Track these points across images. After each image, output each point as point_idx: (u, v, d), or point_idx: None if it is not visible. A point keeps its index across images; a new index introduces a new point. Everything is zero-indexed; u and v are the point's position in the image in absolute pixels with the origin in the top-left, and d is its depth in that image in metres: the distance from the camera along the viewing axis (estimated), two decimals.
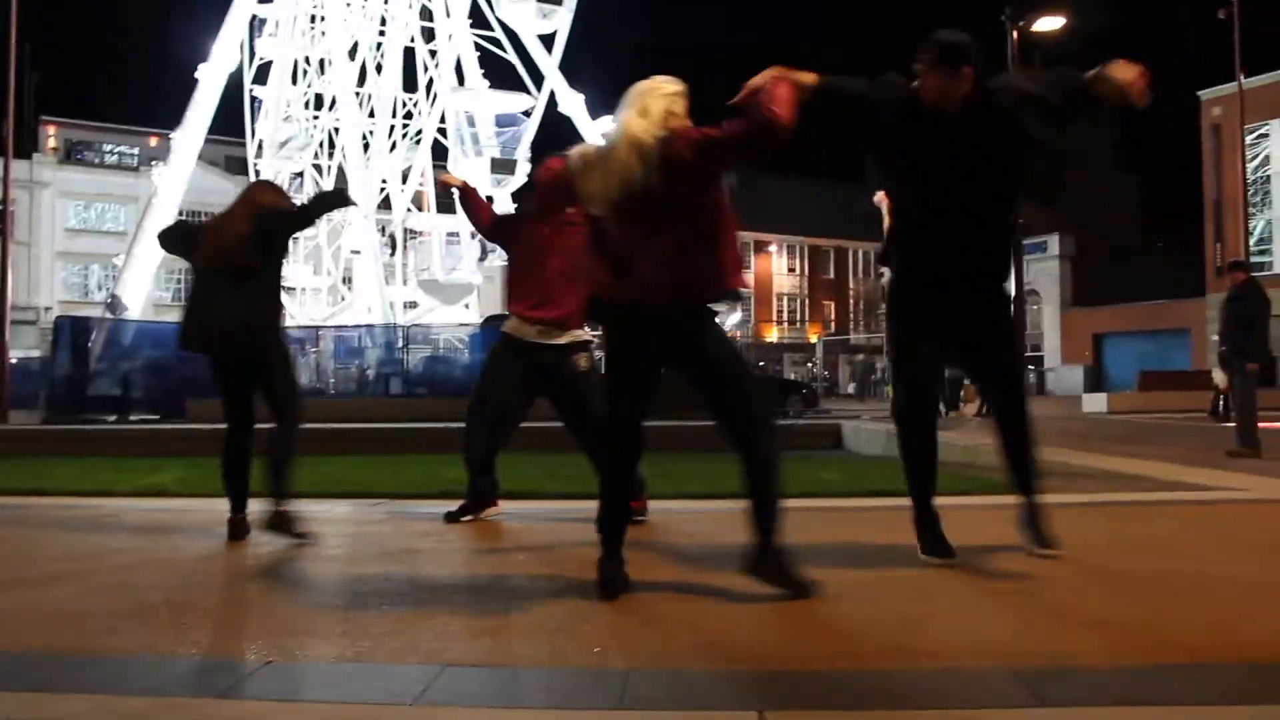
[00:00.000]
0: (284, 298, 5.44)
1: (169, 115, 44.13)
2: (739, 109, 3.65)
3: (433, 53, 39.47)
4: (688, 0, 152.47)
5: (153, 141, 58.20)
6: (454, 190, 6.09)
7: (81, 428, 17.75)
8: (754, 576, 3.67)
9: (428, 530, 5.44)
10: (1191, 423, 19.51)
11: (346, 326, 30.58)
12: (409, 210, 39.14)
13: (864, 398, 39.66)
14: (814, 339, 69.13)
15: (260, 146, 43.62)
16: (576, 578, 3.87)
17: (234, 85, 42.61)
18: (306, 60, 41.93)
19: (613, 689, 2.65)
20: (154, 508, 6.58)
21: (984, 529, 5.14)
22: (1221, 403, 19.75)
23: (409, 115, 40.49)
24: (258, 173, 43.75)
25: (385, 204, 38.93)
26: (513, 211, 6.22)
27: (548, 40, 37.91)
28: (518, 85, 38.57)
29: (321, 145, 42.89)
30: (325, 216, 31.46)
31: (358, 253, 36.23)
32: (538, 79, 38.08)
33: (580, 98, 37.99)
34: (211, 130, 42.56)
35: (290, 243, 5.55)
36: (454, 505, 5.72)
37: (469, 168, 35.88)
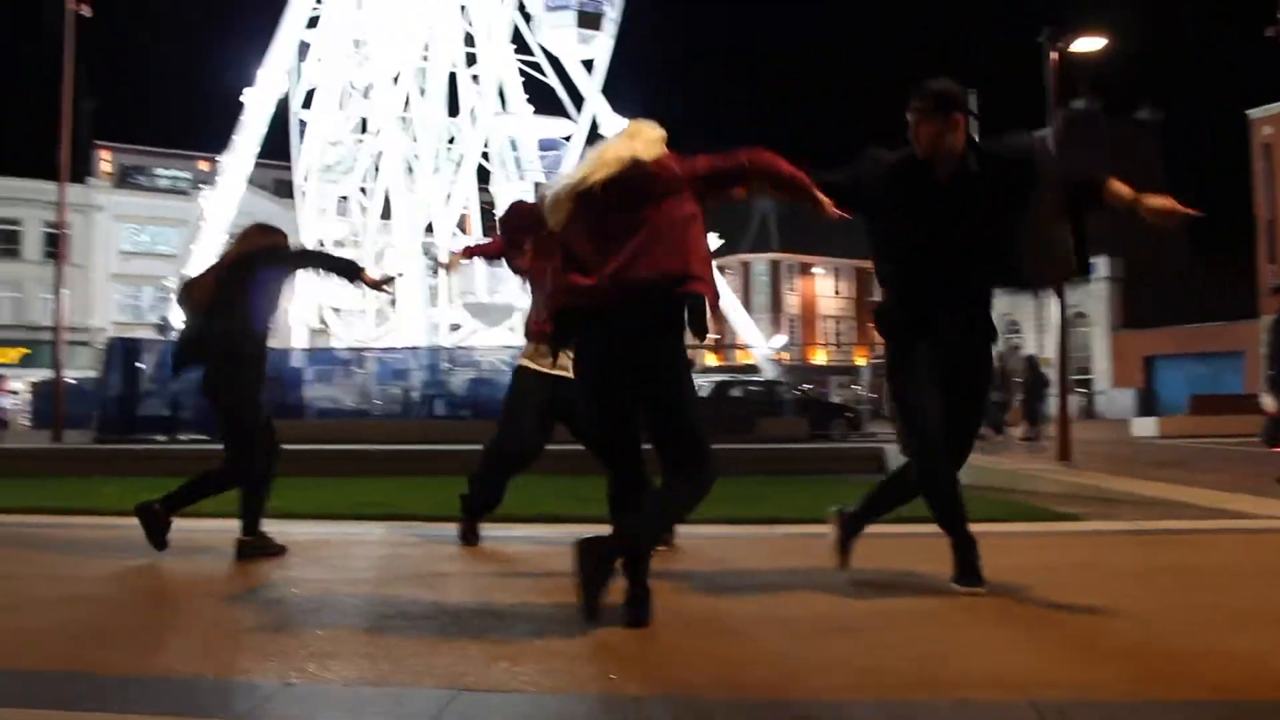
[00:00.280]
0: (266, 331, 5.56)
1: (219, 139, 44.88)
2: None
3: (475, 77, 39.82)
4: (725, 24, 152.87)
5: (204, 165, 59.14)
6: (461, 263, 6.21)
7: (131, 447, 18.05)
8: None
9: (456, 554, 5.47)
10: (1244, 448, 19.15)
11: (391, 348, 30.80)
12: (453, 234, 39.39)
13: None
14: (860, 362, 68.67)
15: (307, 170, 44.16)
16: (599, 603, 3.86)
17: (281, 110, 43.27)
18: (352, 85, 42.44)
19: (625, 716, 2.65)
20: (190, 528, 6.62)
21: (1018, 556, 5.09)
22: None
23: (452, 140, 40.83)
24: (304, 196, 44.34)
25: (429, 228, 39.25)
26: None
27: (589, 64, 38.15)
28: (560, 109, 38.82)
29: (367, 170, 43.35)
30: (371, 240, 31.57)
31: (402, 275, 36.53)
32: (579, 102, 38.31)
33: (621, 122, 38.04)
34: (260, 154, 43.21)
35: (282, 277, 5.66)
36: (484, 529, 5.77)
37: (511, 191, 36.12)
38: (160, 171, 61.81)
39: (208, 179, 53.40)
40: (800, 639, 3.48)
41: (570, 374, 5.41)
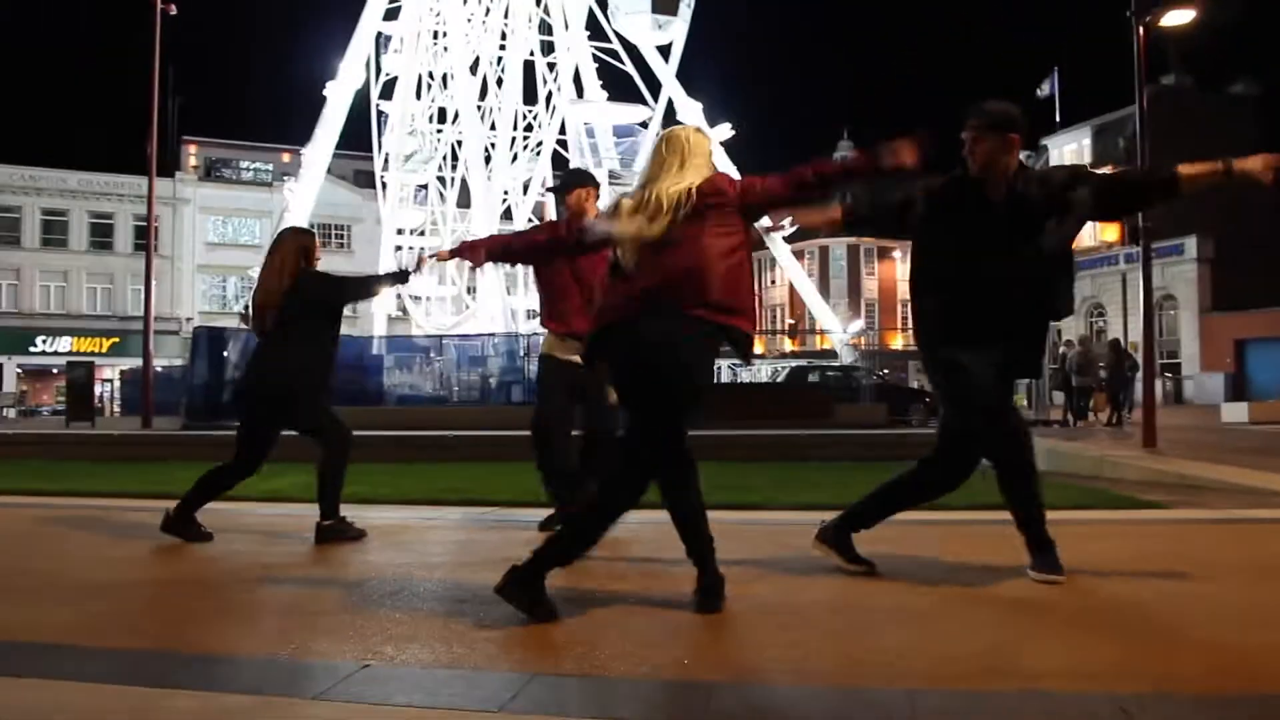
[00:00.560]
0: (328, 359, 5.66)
1: (299, 132, 45.71)
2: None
3: (551, 65, 40.00)
4: (800, 7, 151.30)
5: (285, 157, 60.28)
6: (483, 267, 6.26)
7: (215, 433, 18.48)
8: (501, 594, 3.51)
9: (532, 539, 5.49)
10: None
11: (469, 335, 31.13)
12: (530, 221, 39.70)
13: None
14: None
15: (386, 160, 44.80)
16: (673, 591, 3.87)
17: (361, 101, 43.92)
18: (430, 75, 42.92)
19: (699, 703, 2.66)
20: (270, 512, 6.82)
21: (1099, 545, 4.99)
22: None
23: (529, 127, 41.10)
24: (384, 185, 44.96)
25: (508, 214, 39.57)
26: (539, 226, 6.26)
27: (664, 50, 38.08)
28: (635, 96, 38.84)
29: (445, 158, 43.83)
30: (450, 229, 31.99)
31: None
32: (655, 88, 38.29)
33: (698, 106, 38.03)
34: (340, 145, 43.90)
35: (340, 307, 5.72)
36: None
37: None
38: (244, 164, 63.11)
39: (289, 170, 54.46)
40: (874, 627, 3.45)
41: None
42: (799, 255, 56.90)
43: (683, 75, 38.30)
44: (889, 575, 4.23)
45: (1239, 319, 46.97)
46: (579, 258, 5.54)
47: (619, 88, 39.65)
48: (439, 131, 43.29)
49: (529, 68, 40.24)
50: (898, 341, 69.43)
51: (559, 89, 39.30)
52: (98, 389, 33.29)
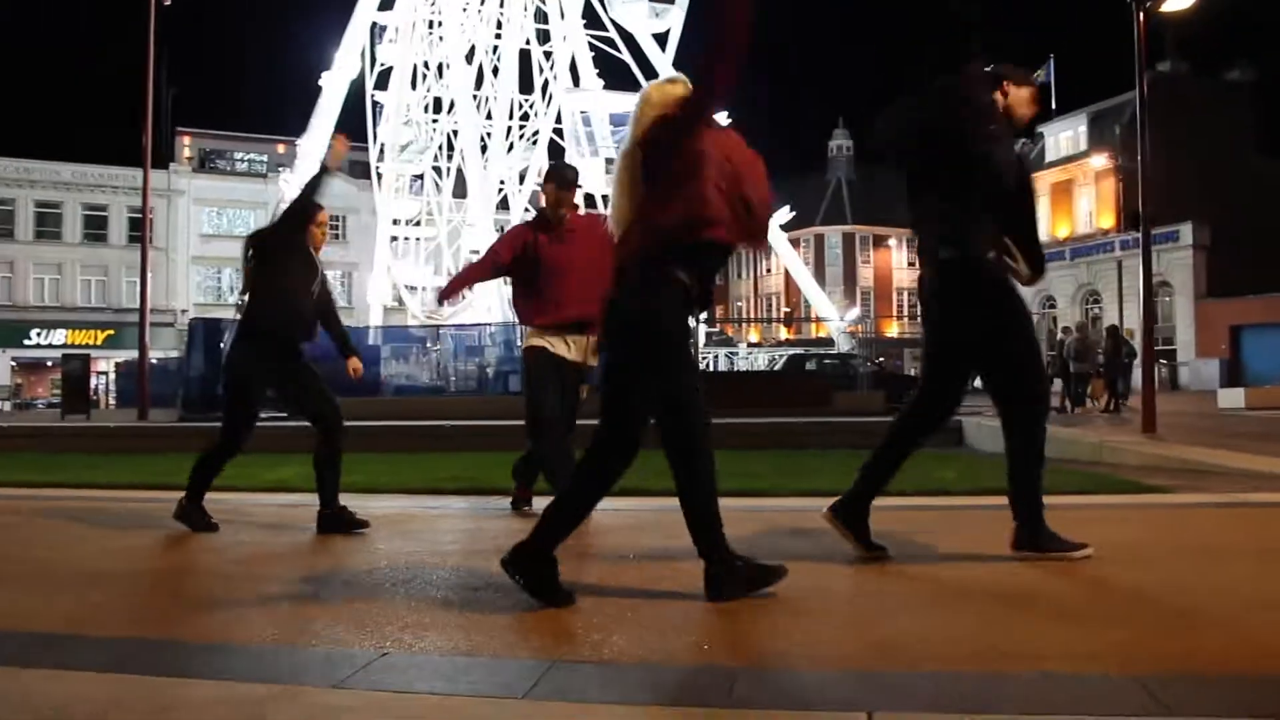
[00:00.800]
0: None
1: (295, 122, 45.64)
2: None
3: (548, 54, 39.90)
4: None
5: (280, 148, 60.17)
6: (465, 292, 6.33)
7: (215, 425, 18.45)
8: (506, 567, 3.57)
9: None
10: None
11: (466, 325, 31.08)
12: (526, 210, 39.62)
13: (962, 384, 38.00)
14: None
15: (382, 150, 44.69)
16: (688, 578, 3.86)
17: (356, 91, 43.80)
18: (425, 65, 42.81)
19: (720, 687, 2.65)
20: (276, 502, 6.81)
21: (1104, 529, 4.98)
22: None
23: (525, 116, 41.01)
24: (379, 176, 44.87)
25: (504, 204, 39.49)
26: (518, 228, 6.25)
27: (661, 39, 38.00)
28: (631, 84, 38.69)
29: (441, 148, 43.75)
30: (445, 219, 31.99)
31: (477, 253, 36.84)
32: (651, 77, 38.14)
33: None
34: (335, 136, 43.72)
35: (279, 246, 5.73)
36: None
37: (585, 167, 36.15)
38: (238, 155, 62.98)
39: (284, 161, 54.38)
40: (888, 610, 3.44)
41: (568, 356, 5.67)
42: (795, 243, 56.82)
43: (679, 64, 38.18)
44: (899, 561, 4.23)
45: (1234, 305, 47.02)
46: (561, 248, 5.67)
47: (614, 76, 39.59)
48: (434, 121, 43.19)
49: (525, 56, 40.15)
50: (893, 329, 69.46)
51: (555, 78, 39.20)
52: (93, 381, 33.27)
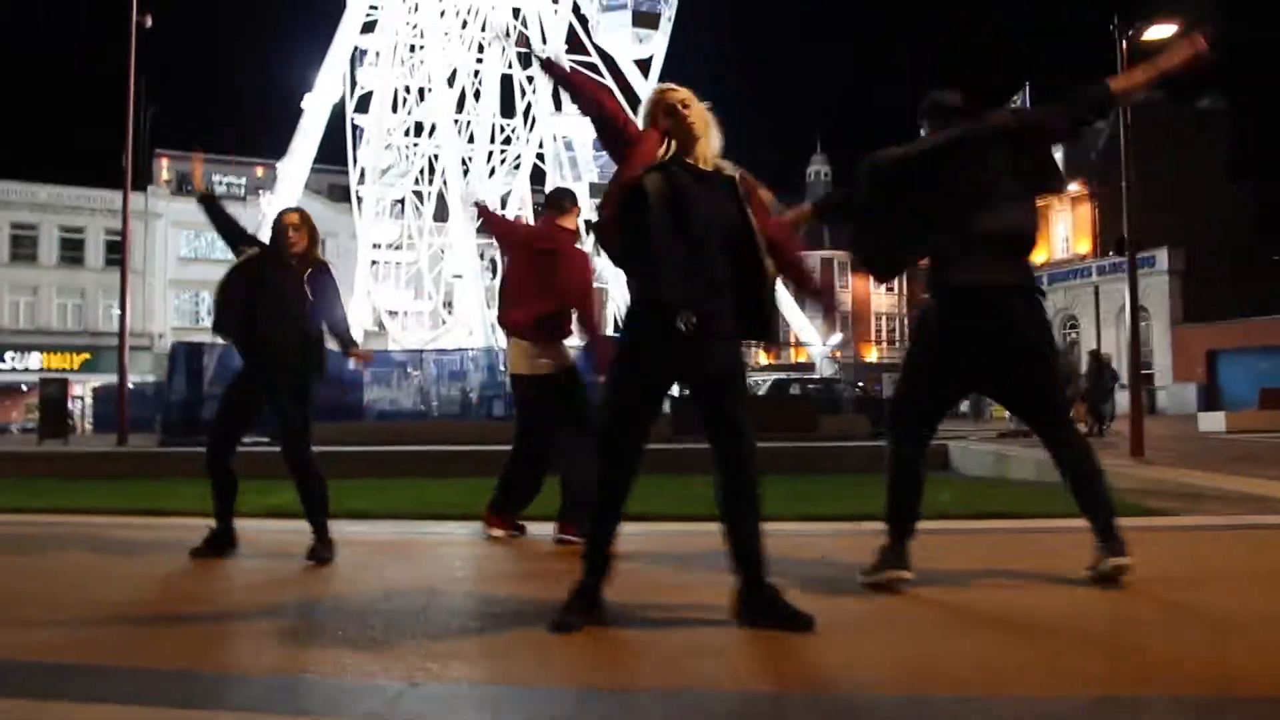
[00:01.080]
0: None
1: (273, 146, 45.50)
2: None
3: (530, 79, 39.97)
4: (780, 23, 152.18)
5: (259, 171, 59.89)
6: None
7: (198, 450, 18.26)
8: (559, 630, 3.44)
9: (551, 551, 5.43)
10: None
11: (448, 350, 30.97)
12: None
13: (977, 418, 38.23)
14: None
15: (362, 174, 44.63)
16: (714, 603, 3.81)
17: (336, 114, 43.75)
18: (406, 89, 42.83)
19: (769, 714, 2.60)
20: (275, 529, 6.68)
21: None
22: None
23: (507, 140, 41.06)
24: (360, 200, 44.78)
25: (485, 228, 39.47)
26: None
27: (643, 65, 38.13)
28: None
29: (422, 171, 43.72)
30: (426, 243, 31.90)
31: (459, 277, 36.78)
32: (634, 103, 38.26)
33: None
34: (315, 159, 43.69)
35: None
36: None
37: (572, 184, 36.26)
38: (216, 178, 62.63)
39: (263, 184, 54.13)
40: (923, 635, 3.41)
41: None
42: None
43: None
44: (934, 583, 4.19)
45: (1210, 330, 47.47)
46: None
47: None
48: (415, 145, 43.19)
49: (506, 81, 40.23)
50: (872, 354, 69.74)
51: (538, 102, 39.27)
52: (70, 406, 32.88)
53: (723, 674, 2.96)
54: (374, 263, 44.91)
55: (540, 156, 39.98)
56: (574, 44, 39.13)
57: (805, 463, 13.67)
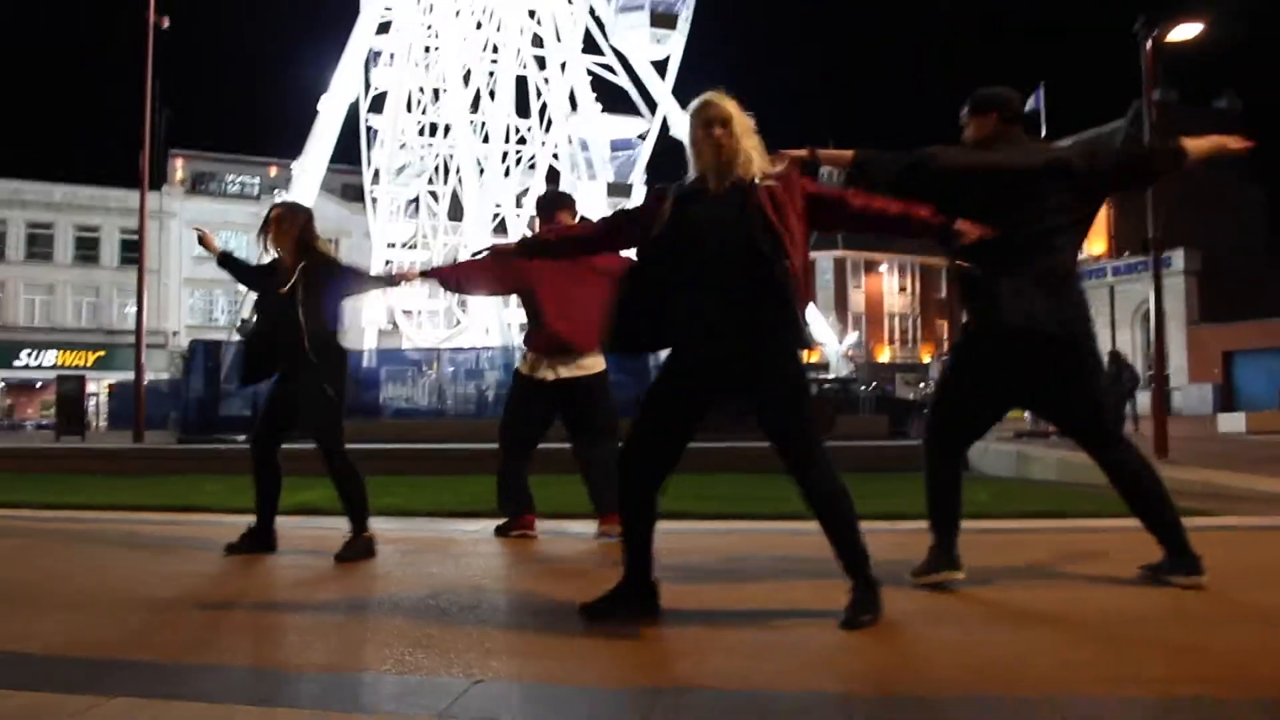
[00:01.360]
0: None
1: (287, 146, 45.62)
2: None
3: (546, 80, 39.93)
4: (796, 24, 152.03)
5: (273, 171, 60.05)
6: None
7: (218, 447, 18.30)
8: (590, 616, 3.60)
9: (589, 550, 5.42)
10: None
11: (463, 348, 30.99)
12: (525, 234, 39.65)
13: (1001, 417, 37.70)
14: (926, 359, 67.99)
15: (376, 174, 44.69)
16: (758, 600, 3.80)
17: (350, 115, 43.83)
18: (421, 89, 42.89)
19: (836, 712, 2.59)
20: (310, 525, 6.68)
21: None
22: None
23: (522, 140, 41.06)
24: (374, 200, 44.86)
25: (501, 227, 39.47)
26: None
27: (659, 66, 38.03)
28: (626, 109, 38.79)
29: (436, 170, 43.77)
30: (441, 242, 31.97)
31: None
32: (650, 102, 38.22)
33: None
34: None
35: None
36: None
37: (584, 192, 36.23)
38: (230, 178, 62.82)
39: (277, 184, 54.26)
40: (977, 635, 3.39)
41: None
42: None
43: (677, 91, 38.20)
44: (976, 583, 4.17)
45: (1226, 330, 47.29)
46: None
47: (608, 100, 39.64)
48: (429, 145, 43.24)
49: (521, 81, 40.21)
50: (884, 354, 69.63)
51: (553, 103, 39.22)
52: (88, 404, 32.99)
53: (784, 673, 2.95)
54: (388, 262, 44.95)
55: (555, 156, 39.96)
56: (589, 43, 39.07)
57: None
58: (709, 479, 8.84)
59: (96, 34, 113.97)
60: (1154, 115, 13.88)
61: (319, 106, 42.05)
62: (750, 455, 13.27)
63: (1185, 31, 14.08)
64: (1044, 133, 55.17)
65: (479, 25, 39.59)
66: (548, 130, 39.61)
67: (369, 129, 45.34)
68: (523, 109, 40.62)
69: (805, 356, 3.91)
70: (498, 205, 39.05)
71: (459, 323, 41.31)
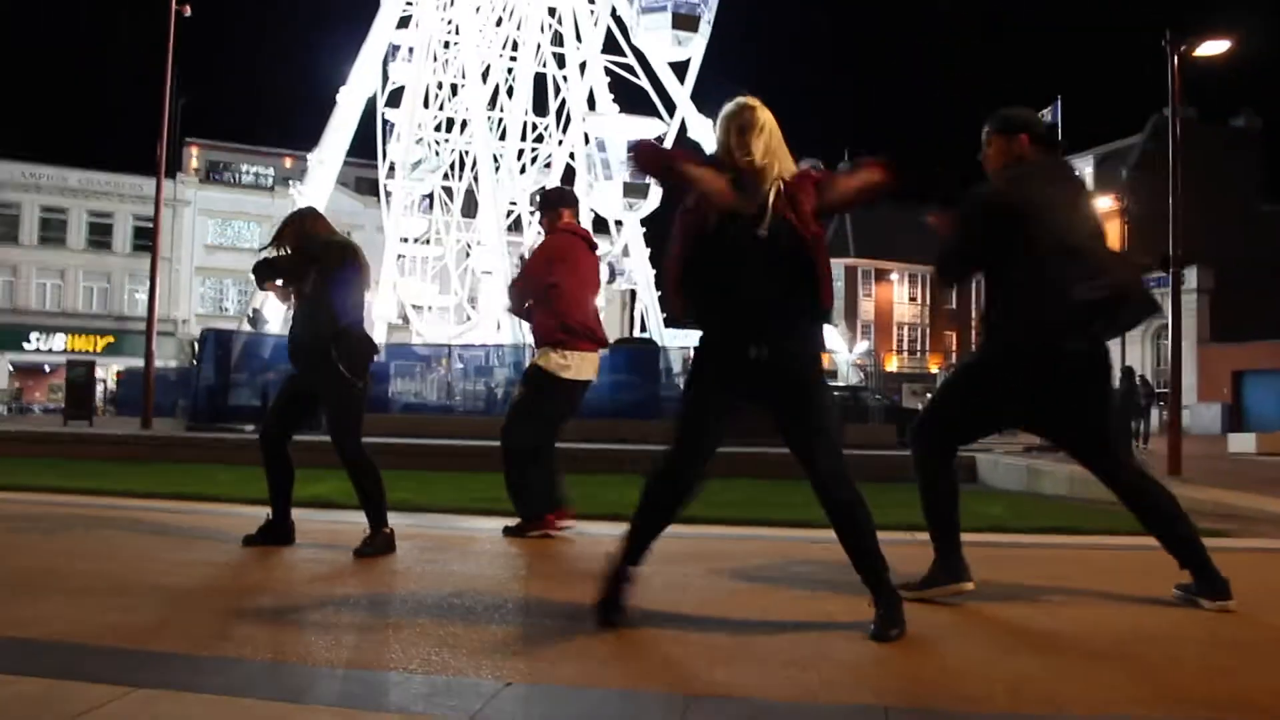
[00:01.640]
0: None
1: (302, 137, 45.66)
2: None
3: (564, 78, 39.85)
4: (820, 24, 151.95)
5: (287, 162, 60.12)
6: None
7: (226, 436, 18.30)
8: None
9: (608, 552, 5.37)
10: None
11: (473, 345, 30.97)
12: (539, 233, 39.64)
13: (1000, 430, 37.86)
14: (934, 369, 67.86)
15: (391, 168, 44.70)
16: (781, 608, 3.76)
17: (366, 108, 43.88)
18: (439, 85, 42.90)
19: None
20: (324, 518, 6.64)
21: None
22: None
23: (539, 139, 41.04)
24: (388, 194, 44.87)
25: (516, 225, 39.44)
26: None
27: (679, 68, 37.92)
28: (645, 109, 38.68)
29: (453, 166, 43.78)
30: (454, 238, 31.90)
31: (489, 273, 36.78)
32: (668, 103, 38.07)
33: (710, 124, 37.74)
34: None
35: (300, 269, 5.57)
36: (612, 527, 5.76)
37: (600, 192, 36.18)
38: (245, 168, 62.91)
39: (291, 175, 54.37)
40: (1007, 651, 3.35)
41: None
42: None
43: (697, 95, 38.10)
44: (998, 598, 4.12)
45: (1237, 350, 47.14)
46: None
47: (626, 100, 39.55)
48: (445, 140, 43.25)
49: (540, 79, 40.18)
50: (893, 363, 69.52)
51: (572, 101, 39.13)
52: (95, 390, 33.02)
53: (825, 684, 2.91)
54: (400, 256, 44.98)
55: (572, 155, 39.89)
56: (609, 43, 38.96)
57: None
58: (718, 484, 8.77)
59: (114, 20, 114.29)
60: (1178, 130, 13.79)
61: (337, 98, 42.10)
62: (763, 461, 13.26)
63: (1213, 48, 14.01)
64: (1061, 147, 55.43)
65: (499, 22, 39.57)
66: (565, 129, 39.53)
67: (385, 123, 45.35)
68: (540, 107, 40.64)
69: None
70: (513, 203, 39.02)
71: (469, 318, 41.30)
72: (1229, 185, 50.87)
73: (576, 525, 6.03)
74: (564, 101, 39.61)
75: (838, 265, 69.50)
